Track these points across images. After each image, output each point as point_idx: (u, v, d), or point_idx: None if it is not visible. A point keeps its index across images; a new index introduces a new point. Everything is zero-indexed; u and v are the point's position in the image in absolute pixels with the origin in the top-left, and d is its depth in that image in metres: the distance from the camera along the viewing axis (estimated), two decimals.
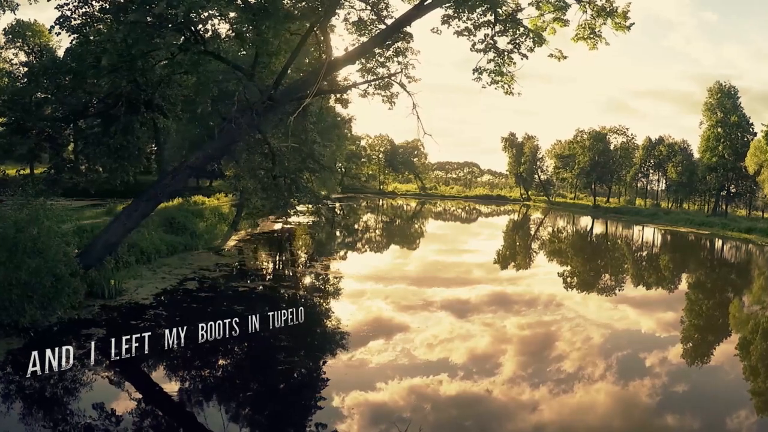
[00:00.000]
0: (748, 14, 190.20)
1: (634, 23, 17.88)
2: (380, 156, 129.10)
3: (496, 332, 17.09)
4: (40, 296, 12.24)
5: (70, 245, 15.23)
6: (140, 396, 10.80)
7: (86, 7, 15.71)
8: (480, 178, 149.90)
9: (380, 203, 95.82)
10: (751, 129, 73.59)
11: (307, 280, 23.30)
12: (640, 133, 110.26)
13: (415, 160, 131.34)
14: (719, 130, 73.86)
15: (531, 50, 18.69)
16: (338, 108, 48.60)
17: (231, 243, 29.60)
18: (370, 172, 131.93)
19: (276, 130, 21.41)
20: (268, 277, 22.34)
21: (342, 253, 34.11)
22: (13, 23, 51.06)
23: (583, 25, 18.28)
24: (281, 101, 17.80)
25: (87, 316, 14.22)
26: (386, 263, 30.69)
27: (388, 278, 24.98)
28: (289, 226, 41.81)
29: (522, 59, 18.79)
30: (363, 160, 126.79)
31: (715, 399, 12.84)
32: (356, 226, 54.23)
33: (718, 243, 54.43)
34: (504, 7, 18.03)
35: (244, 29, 16.89)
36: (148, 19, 14.82)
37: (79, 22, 15.78)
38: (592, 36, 18.30)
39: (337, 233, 46.36)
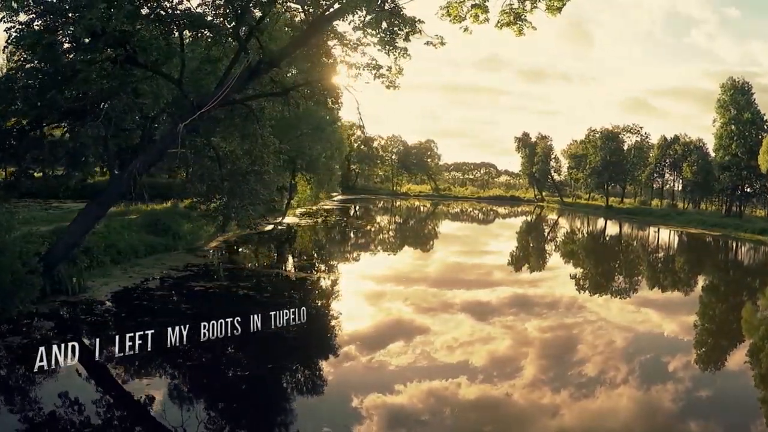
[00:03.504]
0: None
1: (566, 3, 16.82)
2: (393, 157, 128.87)
3: (516, 335, 16.94)
4: (0, 292, 13.01)
5: (43, 245, 16.72)
6: (143, 393, 10.84)
7: (29, 27, 15.92)
8: (497, 178, 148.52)
9: (394, 204, 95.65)
10: (765, 126, 71.93)
11: (269, 280, 23.21)
12: (662, 133, 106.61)
13: (428, 161, 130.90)
14: (732, 127, 72.09)
15: (407, 39, 17.70)
16: (338, 109, 48.78)
17: (213, 244, 29.69)
18: (382, 173, 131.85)
19: (227, 134, 21.53)
20: (233, 277, 22.16)
21: (335, 254, 33.85)
22: None
23: (507, 11, 17.39)
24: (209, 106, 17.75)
25: (45, 310, 14.85)
26: (388, 265, 30.58)
27: (383, 279, 24.94)
28: (283, 227, 41.34)
29: (403, 54, 17.97)
30: (377, 161, 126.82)
31: (738, 405, 12.56)
32: (368, 227, 54.13)
33: (728, 245, 53.57)
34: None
35: (157, 40, 17.07)
36: (61, 38, 15.90)
37: (32, 41, 16.28)
38: (516, 21, 17.41)
39: (339, 234, 45.89)
